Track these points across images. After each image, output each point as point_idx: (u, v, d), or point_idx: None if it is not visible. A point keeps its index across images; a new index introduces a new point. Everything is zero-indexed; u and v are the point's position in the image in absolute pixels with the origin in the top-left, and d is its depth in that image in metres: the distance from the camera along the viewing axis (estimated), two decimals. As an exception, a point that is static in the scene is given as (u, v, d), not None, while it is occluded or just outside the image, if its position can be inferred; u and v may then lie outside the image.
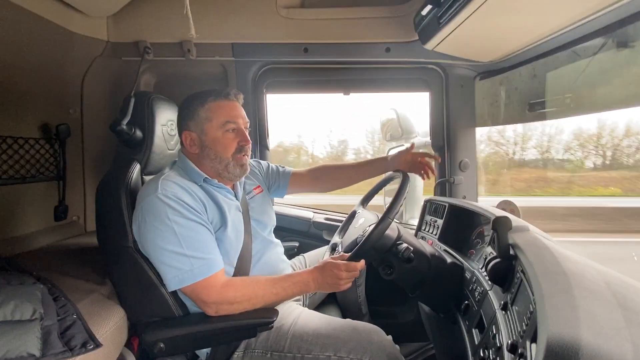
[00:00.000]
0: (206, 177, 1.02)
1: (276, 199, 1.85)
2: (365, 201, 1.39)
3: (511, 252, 0.78)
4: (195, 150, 1.03)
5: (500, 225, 0.78)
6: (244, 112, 1.07)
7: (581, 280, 0.53)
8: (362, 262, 1.01)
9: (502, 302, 0.74)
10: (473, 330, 0.87)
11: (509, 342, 0.59)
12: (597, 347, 0.36)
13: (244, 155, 1.05)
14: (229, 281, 0.94)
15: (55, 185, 1.47)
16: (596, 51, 1.14)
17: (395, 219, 1.04)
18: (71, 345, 0.66)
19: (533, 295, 0.55)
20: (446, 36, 1.19)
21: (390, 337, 0.98)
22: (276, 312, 0.95)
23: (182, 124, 1.05)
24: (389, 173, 1.28)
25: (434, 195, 1.64)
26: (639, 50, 1.05)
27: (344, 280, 0.99)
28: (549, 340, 0.38)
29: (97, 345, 0.71)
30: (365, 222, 1.20)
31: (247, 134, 1.06)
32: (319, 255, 1.39)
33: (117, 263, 0.96)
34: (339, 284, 0.99)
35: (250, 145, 1.07)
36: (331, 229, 1.65)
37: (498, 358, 0.64)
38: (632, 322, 0.43)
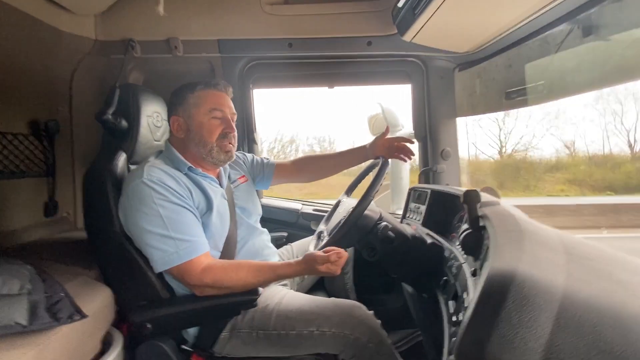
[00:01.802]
0: (190, 166, 1.05)
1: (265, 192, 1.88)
2: (349, 190, 1.43)
3: (481, 223, 0.82)
4: (181, 134, 1.07)
5: (470, 198, 0.82)
6: (231, 104, 1.12)
7: (534, 235, 0.57)
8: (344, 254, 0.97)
9: (473, 269, 0.78)
10: (449, 302, 0.90)
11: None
12: (530, 275, 0.39)
13: (229, 142, 1.08)
14: (209, 266, 0.94)
15: (45, 181, 1.49)
16: (564, 38, 1.20)
17: (382, 208, 1.08)
18: (58, 317, 0.69)
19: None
20: (422, 26, 1.24)
21: (372, 312, 1.01)
22: (258, 291, 0.98)
23: (171, 110, 1.10)
24: (371, 161, 1.32)
25: (419, 183, 1.68)
26: (602, 37, 1.11)
27: (326, 269, 0.94)
28: (489, 272, 0.41)
29: (84, 316, 0.73)
30: (348, 206, 1.24)
31: (233, 124, 1.10)
32: (306, 244, 1.42)
33: (104, 249, 0.99)
34: (320, 272, 0.95)
35: (236, 134, 1.11)
36: (319, 220, 1.68)
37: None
38: (573, 262, 0.47)
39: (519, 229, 0.62)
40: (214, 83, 1.10)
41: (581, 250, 0.55)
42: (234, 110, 1.12)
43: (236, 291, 0.96)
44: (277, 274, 0.97)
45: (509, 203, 0.97)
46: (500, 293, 0.37)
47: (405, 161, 1.34)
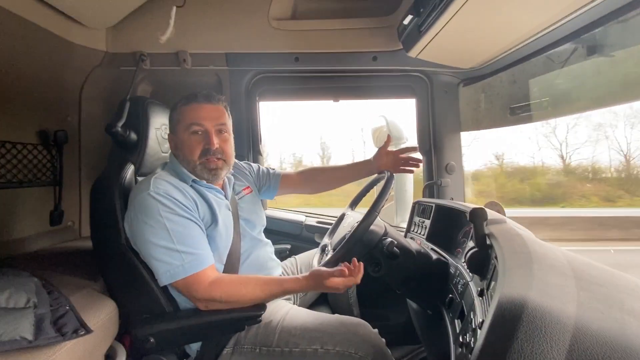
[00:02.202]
0: (194, 179, 1.05)
1: (269, 203, 1.89)
2: (354, 204, 1.43)
3: (488, 242, 0.82)
4: (175, 151, 1.09)
5: (476, 216, 0.82)
6: (217, 114, 1.06)
7: (543, 258, 0.57)
8: (346, 266, 0.94)
9: (479, 289, 0.77)
10: (455, 320, 0.89)
11: (481, 320, 0.62)
12: (541, 303, 0.39)
13: (214, 159, 1.03)
14: (217, 279, 0.94)
15: (52, 190, 1.50)
16: (568, 56, 1.21)
17: (386, 222, 1.07)
18: (63, 332, 0.69)
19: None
20: (427, 43, 1.25)
21: (376, 330, 1.00)
22: (264, 307, 0.97)
23: (169, 127, 1.12)
24: (376, 175, 1.33)
25: (423, 197, 1.68)
26: (606, 55, 1.12)
27: (342, 286, 0.92)
28: (500, 298, 0.41)
29: (88, 331, 0.73)
30: (352, 220, 1.24)
31: (214, 137, 1.03)
32: (310, 256, 1.42)
33: (109, 260, 0.99)
34: (327, 289, 0.93)
35: (223, 148, 1.05)
36: (323, 232, 1.68)
37: (474, 339, 0.67)
38: (583, 289, 0.46)
39: (527, 250, 0.62)
40: (193, 95, 1.06)
41: (590, 274, 0.54)
42: (223, 120, 1.06)
43: (243, 305, 0.95)
44: (284, 289, 0.96)
45: (513, 222, 0.97)
46: (512, 322, 0.37)
47: (412, 172, 1.33)
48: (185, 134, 1.04)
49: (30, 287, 0.77)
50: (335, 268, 0.93)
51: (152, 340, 0.92)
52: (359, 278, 0.93)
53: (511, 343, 0.35)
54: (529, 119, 1.43)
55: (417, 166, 1.32)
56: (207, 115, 1.04)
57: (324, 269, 0.95)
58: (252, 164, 1.40)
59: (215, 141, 1.04)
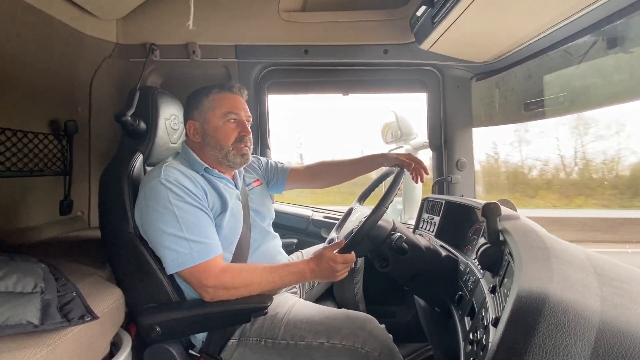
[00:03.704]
0: (207, 167, 1.05)
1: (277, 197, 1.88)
2: (362, 198, 1.41)
3: (501, 238, 0.80)
4: (198, 139, 1.08)
5: (490, 211, 0.79)
6: (246, 107, 1.12)
7: (561, 254, 0.55)
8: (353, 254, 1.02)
9: (491, 286, 0.75)
10: (465, 318, 0.87)
11: (494, 317, 0.60)
12: (564, 297, 0.37)
13: (245, 146, 1.08)
14: (227, 267, 0.96)
15: (62, 180, 1.51)
16: (587, 50, 1.17)
17: (394, 219, 1.06)
18: (69, 317, 0.69)
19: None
20: (440, 35, 1.23)
21: (383, 325, 0.99)
22: (270, 298, 0.97)
23: (187, 114, 1.11)
24: (386, 169, 1.31)
25: (432, 193, 1.65)
26: (628, 49, 1.08)
27: (340, 271, 1.00)
28: (519, 292, 0.39)
29: (95, 317, 0.73)
30: (360, 215, 1.22)
31: (248, 126, 1.10)
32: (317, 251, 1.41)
33: (117, 249, 0.99)
34: (335, 275, 1.00)
35: (251, 137, 1.11)
36: (329, 227, 1.67)
37: (485, 336, 0.65)
38: (605, 284, 0.44)
39: (543, 245, 0.59)
40: (229, 86, 1.11)
41: (611, 271, 0.52)
42: (249, 113, 1.12)
43: (251, 293, 0.95)
44: (289, 270, 0.99)
45: (527, 218, 0.95)
46: (532, 316, 0.35)
47: (416, 182, 1.28)
48: (221, 120, 1.06)
49: (38, 272, 0.77)
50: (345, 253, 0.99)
51: (158, 329, 0.92)
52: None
53: (532, 338, 0.33)
54: (543, 115, 1.39)
55: (422, 180, 1.25)
56: (241, 106, 1.10)
57: (336, 253, 1.00)
58: (261, 157, 1.39)
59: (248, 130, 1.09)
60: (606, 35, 1.13)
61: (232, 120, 1.07)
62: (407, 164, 1.23)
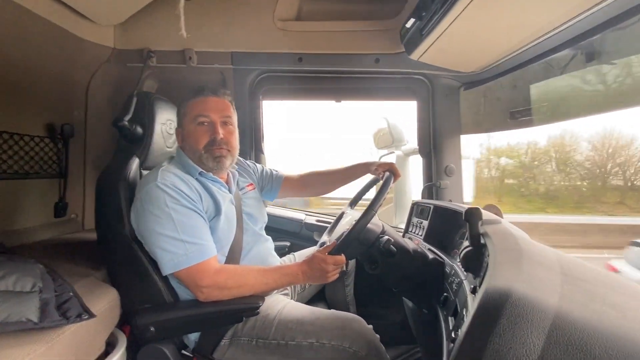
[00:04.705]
0: (201, 171, 1.08)
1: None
2: (353, 203, 1.45)
3: (482, 241, 0.84)
4: (180, 143, 1.13)
5: (471, 215, 0.84)
6: (223, 106, 1.10)
7: (532, 255, 0.59)
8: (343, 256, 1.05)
9: (472, 286, 0.79)
10: (449, 318, 0.91)
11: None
12: (525, 293, 0.41)
13: (218, 148, 1.07)
14: (222, 267, 0.99)
15: (57, 182, 1.53)
16: (568, 62, 1.23)
17: (384, 222, 1.10)
18: (67, 315, 0.71)
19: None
20: (429, 47, 1.28)
21: (371, 326, 1.02)
22: (262, 299, 0.99)
23: (177, 121, 1.16)
24: (375, 176, 1.35)
25: (421, 198, 1.70)
26: (604, 63, 1.14)
27: (331, 273, 1.03)
28: (487, 289, 0.43)
29: (92, 316, 0.75)
30: (351, 219, 1.26)
31: (219, 127, 1.07)
32: (309, 253, 1.44)
33: (113, 250, 1.02)
34: (326, 276, 1.03)
35: (223, 138, 1.07)
36: (322, 230, 1.70)
37: (464, 333, 0.69)
38: (568, 283, 0.48)
39: (518, 248, 0.64)
40: (199, 90, 1.10)
41: (578, 271, 0.56)
42: (228, 113, 1.11)
43: (245, 294, 0.98)
44: (282, 272, 1.02)
45: (508, 223, 0.99)
46: (495, 309, 0.39)
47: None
48: (192, 125, 1.08)
49: (35, 272, 0.79)
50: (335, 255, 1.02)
51: (152, 329, 0.94)
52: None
53: (493, 328, 0.37)
54: (528, 124, 1.45)
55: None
56: (213, 107, 1.09)
57: (327, 255, 1.03)
58: (256, 164, 1.43)
59: (221, 131, 1.08)
60: (585, 49, 1.20)
61: (204, 124, 1.07)
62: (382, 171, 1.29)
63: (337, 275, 1.05)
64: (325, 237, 1.35)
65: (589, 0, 0.91)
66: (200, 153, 1.07)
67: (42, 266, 0.87)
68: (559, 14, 1.02)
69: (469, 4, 0.97)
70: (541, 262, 0.56)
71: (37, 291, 0.72)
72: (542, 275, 0.49)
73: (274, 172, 1.41)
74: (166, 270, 0.94)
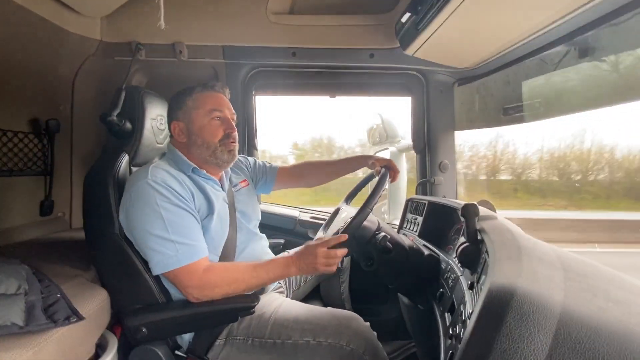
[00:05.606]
0: (194, 167, 1.06)
1: (263, 197, 1.88)
2: (348, 199, 1.44)
3: (479, 237, 0.84)
4: (183, 139, 1.07)
5: (468, 212, 0.83)
6: (230, 105, 1.13)
7: (532, 251, 0.59)
8: (344, 250, 1.00)
9: (469, 282, 0.79)
10: (446, 314, 0.91)
11: (471, 311, 0.63)
12: (530, 290, 0.40)
13: (231, 142, 1.09)
14: (211, 265, 0.97)
15: (42, 180, 1.48)
16: (561, 58, 1.24)
17: (379, 218, 1.09)
18: (54, 318, 0.68)
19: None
20: (424, 42, 1.27)
21: (368, 323, 1.02)
22: (257, 298, 0.98)
23: (171, 115, 1.10)
24: (371, 171, 1.34)
25: (416, 194, 1.70)
26: (598, 59, 1.15)
27: (323, 260, 0.97)
28: (491, 286, 0.42)
29: (80, 318, 0.72)
30: (347, 215, 1.25)
31: (233, 124, 1.10)
32: None
33: (102, 250, 0.98)
34: (316, 265, 0.97)
35: (236, 134, 1.11)
36: (316, 228, 1.69)
37: (463, 330, 0.69)
38: (570, 279, 0.48)
39: (517, 244, 0.63)
40: (211, 85, 1.11)
41: (578, 267, 0.56)
42: (233, 111, 1.13)
43: (237, 292, 0.96)
44: (273, 264, 0.99)
45: (504, 219, 0.99)
46: (501, 308, 0.38)
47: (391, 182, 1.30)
48: (206, 118, 1.06)
49: (20, 274, 0.76)
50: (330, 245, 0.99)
51: (144, 330, 0.92)
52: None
53: (500, 327, 0.36)
54: (521, 120, 1.45)
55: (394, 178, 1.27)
56: (225, 103, 1.11)
57: (319, 242, 0.99)
58: (248, 157, 1.40)
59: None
60: (578, 45, 1.20)
61: (216, 118, 1.07)
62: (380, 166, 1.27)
63: (332, 268, 0.99)
64: (320, 233, 1.34)
65: None
66: (215, 146, 1.06)
67: (28, 267, 0.83)
68: (553, 10, 1.02)
69: None
70: (541, 258, 0.56)
71: (22, 293, 0.69)
72: (544, 271, 0.49)
73: (268, 165, 1.39)
74: (156, 270, 0.92)
